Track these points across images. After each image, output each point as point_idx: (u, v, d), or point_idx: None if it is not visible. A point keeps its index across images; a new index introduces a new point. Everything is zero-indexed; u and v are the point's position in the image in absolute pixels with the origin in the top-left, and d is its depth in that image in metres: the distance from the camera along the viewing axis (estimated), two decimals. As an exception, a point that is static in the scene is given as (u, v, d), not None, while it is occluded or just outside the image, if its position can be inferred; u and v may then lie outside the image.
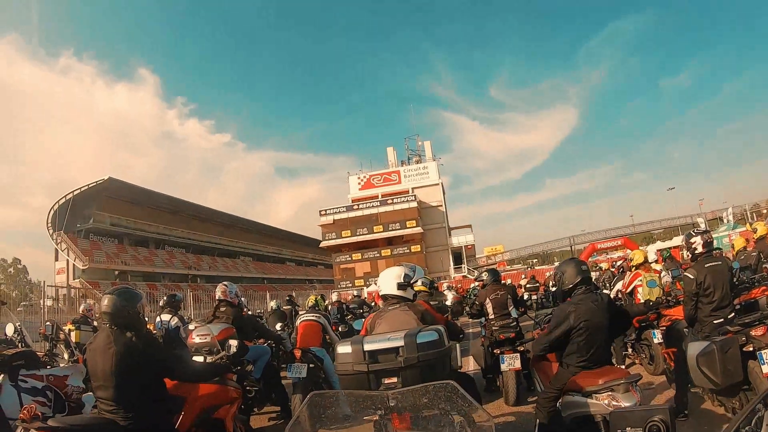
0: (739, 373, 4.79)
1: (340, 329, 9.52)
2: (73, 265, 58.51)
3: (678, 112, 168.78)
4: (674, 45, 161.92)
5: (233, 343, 5.21)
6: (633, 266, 9.06)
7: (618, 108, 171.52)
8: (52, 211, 60.28)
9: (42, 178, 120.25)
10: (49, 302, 18.66)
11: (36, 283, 20.19)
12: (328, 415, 2.29)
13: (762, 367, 4.76)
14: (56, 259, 60.58)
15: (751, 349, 4.88)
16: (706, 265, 5.47)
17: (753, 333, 4.93)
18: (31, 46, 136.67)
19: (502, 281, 9.31)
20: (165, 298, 10.91)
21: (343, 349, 3.18)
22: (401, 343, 3.06)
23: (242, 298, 8.36)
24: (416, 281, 4.89)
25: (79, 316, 11.44)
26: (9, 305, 16.04)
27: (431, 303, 6.56)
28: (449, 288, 26.14)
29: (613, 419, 1.49)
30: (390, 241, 62.52)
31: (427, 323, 3.77)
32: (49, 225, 60.27)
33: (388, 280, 4.34)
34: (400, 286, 4.32)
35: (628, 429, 1.41)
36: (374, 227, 61.95)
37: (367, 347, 3.08)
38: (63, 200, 60.11)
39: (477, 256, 71.48)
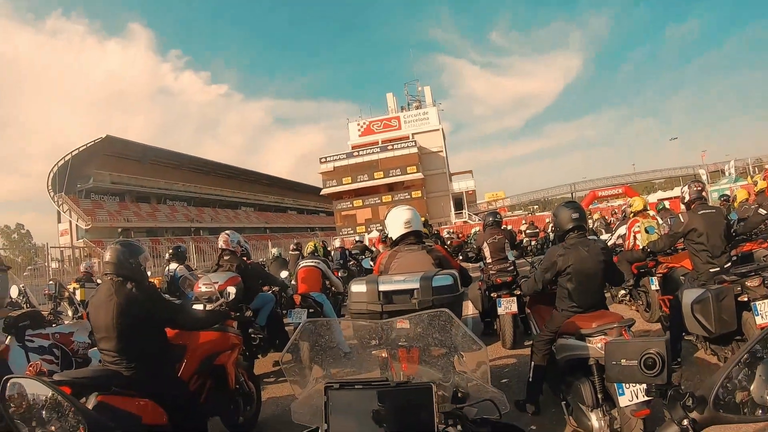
0: (733, 323, 4.86)
1: (341, 274, 9.61)
2: (76, 225, 58.47)
3: (683, 61, 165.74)
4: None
5: (231, 290, 5.30)
6: (632, 213, 9.06)
7: (622, 54, 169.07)
8: (51, 174, 59.80)
9: (39, 144, 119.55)
10: (54, 264, 18.82)
11: (40, 247, 20.24)
12: (323, 344, 2.30)
13: (755, 317, 4.82)
14: (59, 222, 60.53)
15: (745, 299, 4.95)
16: (699, 213, 5.51)
17: (748, 283, 4.97)
18: (19, 10, 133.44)
19: (503, 226, 9.32)
20: (171, 249, 11.29)
21: (358, 288, 3.15)
22: (417, 285, 3.05)
23: (247, 244, 8.40)
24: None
25: (81, 275, 11.57)
26: (15, 270, 16.12)
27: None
28: (449, 234, 26.21)
29: (607, 350, 1.50)
30: (391, 188, 62.33)
31: (443, 268, 3.68)
32: (50, 188, 59.87)
33: (404, 221, 4.17)
34: (421, 226, 4.30)
35: (623, 361, 1.42)
36: (375, 174, 61.62)
37: (383, 287, 3.04)
38: (62, 162, 59.52)
39: (478, 202, 71.15)
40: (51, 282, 8.87)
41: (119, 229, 59.87)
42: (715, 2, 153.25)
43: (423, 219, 5.36)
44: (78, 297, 9.18)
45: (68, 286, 9.62)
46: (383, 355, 2.40)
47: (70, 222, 58.76)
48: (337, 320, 2.67)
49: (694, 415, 1.25)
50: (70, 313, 6.99)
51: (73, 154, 59.26)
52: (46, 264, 15.11)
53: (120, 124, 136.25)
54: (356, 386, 1.86)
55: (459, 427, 1.83)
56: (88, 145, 59.20)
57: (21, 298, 6.73)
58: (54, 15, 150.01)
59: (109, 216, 60.85)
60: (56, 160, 60.64)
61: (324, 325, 2.43)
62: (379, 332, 2.33)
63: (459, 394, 1.95)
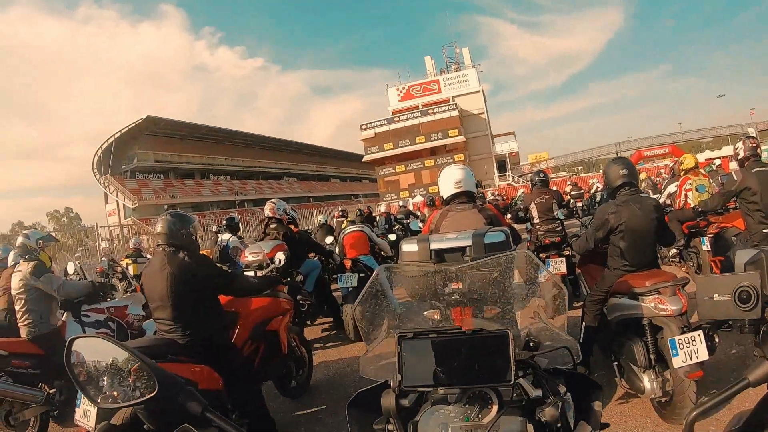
0: None
1: (387, 240, 9.61)
2: (123, 205, 59.90)
3: (729, 14, 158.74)
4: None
5: (281, 256, 5.34)
6: (683, 170, 8.68)
7: (665, 8, 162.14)
8: (96, 157, 61.26)
9: (80, 130, 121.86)
10: (104, 244, 19.29)
11: (90, 228, 20.75)
12: (391, 296, 2.31)
13: None
14: (106, 203, 62.19)
15: (800, 260, 4.77)
16: (753, 170, 5.29)
17: None
18: (49, 1, 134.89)
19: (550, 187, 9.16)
20: (225, 221, 11.59)
21: (409, 247, 3.09)
22: (468, 242, 2.91)
23: (295, 212, 8.45)
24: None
25: (131, 251, 11.87)
26: (67, 251, 16.59)
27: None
28: (493, 196, 25.99)
29: (699, 285, 1.47)
30: (433, 152, 62.00)
31: (494, 227, 3.56)
32: (95, 170, 61.45)
33: (455, 181, 4.09)
34: (473, 186, 4.21)
35: (716, 296, 1.39)
36: (416, 138, 61.32)
37: (434, 246, 2.99)
38: (105, 145, 60.85)
39: (521, 164, 70.45)
40: (103, 258, 9.11)
41: (165, 206, 60.99)
42: None
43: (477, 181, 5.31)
44: (131, 272, 9.46)
45: (121, 262, 9.88)
46: (436, 316, 2.40)
47: (117, 202, 60.25)
48: (407, 266, 2.64)
49: None
50: (122, 287, 7.16)
51: (116, 136, 60.43)
52: (97, 244, 15.49)
53: (160, 104, 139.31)
54: (430, 335, 1.82)
55: (532, 377, 1.80)
56: (130, 127, 60.26)
57: (76, 275, 6.90)
58: (84, 3, 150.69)
59: (155, 194, 62.10)
60: (99, 142, 62.20)
61: (396, 270, 2.48)
62: (437, 286, 2.33)
63: (531, 343, 1.91)
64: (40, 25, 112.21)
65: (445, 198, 4.15)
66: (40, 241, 5.88)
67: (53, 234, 10.71)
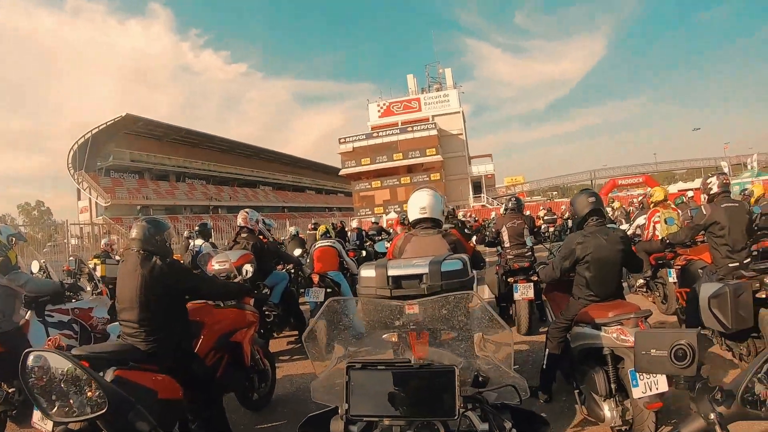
0: (750, 319, 4.76)
1: (358, 256, 9.63)
2: (96, 202, 59.04)
3: (709, 49, 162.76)
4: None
5: (248, 268, 5.33)
6: (652, 203, 8.95)
7: (649, 40, 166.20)
8: (71, 152, 60.43)
9: (62, 122, 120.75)
10: (74, 241, 19.03)
11: (60, 224, 20.52)
12: (345, 323, 2.33)
13: None
14: (79, 199, 61.32)
15: (764, 296, 4.87)
16: (722, 206, 5.42)
17: (767, 280, 4.91)
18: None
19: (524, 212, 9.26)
20: (197, 226, 11.80)
21: (367, 272, 3.11)
22: (426, 270, 2.95)
23: (271, 222, 8.42)
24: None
25: (101, 251, 11.73)
26: (35, 246, 16.35)
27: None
28: (465, 217, 26.13)
29: (638, 340, 1.50)
30: (409, 169, 62.43)
31: (457, 253, 3.57)
32: (70, 165, 60.54)
33: (420, 207, 4.07)
34: (439, 213, 4.15)
35: (653, 351, 1.42)
36: (394, 155, 61.74)
37: (391, 272, 3.01)
38: (82, 140, 60.04)
39: (497, 186, 71.11)
40: (71, 258, 8.99)
41: (138, 207, 60.56)
42: None
43: (448, 209, 5.32)
44: (98, 273, 9.31)
45: (88, 262, 9.75)
46: (393, 339, 2.43)
47: (90, 199, 59.40)
48: (357, 299, 2.67)
49: (721, 409, 1.24)
50: (89, 288, 7.07)
51: (93, 132, 59.67)
52: (66, 241, 15.31)
53: (142, 103, 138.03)
54: (378, 367, 1.87)
55: (479, 411, 1.84)
56: (108, 124, 59.58)
57: (41, 273, 6.80)
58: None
59: (129, 193, 61.38)
60: (76, 136, 61.29)
61: (348, 303, 2.49)
62: (392, 314, 2.33)
63: (480, 378, 1.95)
64: (28, 13, 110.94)
65: (411, 221, 4.16)
66: (11, 237, 5.81)
67: (23, 231, 10.57)
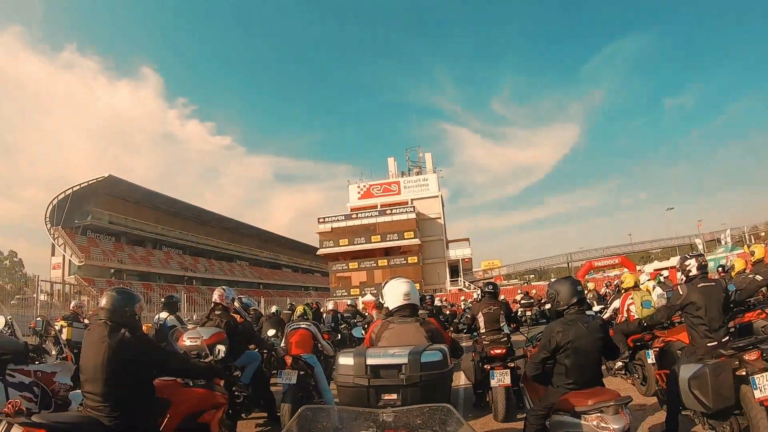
0: (731, 398, 4.76)
1: (333, 339, 9.51)
2: (69, 261, 58.79)
3: (680, 132, 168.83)
4: (677, 64, 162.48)
5: (221, 348, 5.22)
6: (623, 289, 9.16)
7: (620, 126, 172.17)
8: (50, 206, 60.41)
9: (39, 172, 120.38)
10: (43, 297, 18.65)
11: (31, 278, 20.27)
12: (318, 429, 2.27)
13: (754, 392, 4.72)
14: (53, 254, 60.69)
15: (743, 373, 4.83)
16: (698, 286, 5.45)
17: (746, 357, 4.88)
18: (35, 40, 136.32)
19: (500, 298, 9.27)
20: (163, 299, 11.33)
21: (345, 360, 3.11)
22: (405, 360, 3.02)
23: (250, 302, 8.26)
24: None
25: (69, 313, 11.46)
26: (2, 298, 16.01)
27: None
28: (441, 302, 26.12)
29: None
30: (387, 252, 62.67)
31: (435, 342, 3.65)
32: (47, 219, 60.40)
33: (403, 293, 4.10)
34: (417, 300, 4.19)
35: None
36: (372, 237, 62.07)
37: (370, 361, 3.01)
38: (62, 195, 60.20)
39: (474, 270, 71.51)
40: (39, 318, 8.77)
41: (112, 270, 59.95)
42: (709, 76, 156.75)
43: (421, 295, 5.37)
44: (64, 336, 9.05)
45: (55, 323, 9.50)
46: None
47: (64, 256, 59.14)
48: (335, 408, 2.63)
49: None
50: (54, 352, 6.85)
51: (75, 189, 59.97)
52: (35, 296, 15.01)
53: (122, 164, 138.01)
54: None
55: None
56: (90, 183, 60.00)
57: (6, 329, 6.61)
58: (69, 48, 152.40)
59: (103, 255, 61.11)
60: (56, 190, 61.81)
61: (323, 413, 2.48)
62: (368, 421, 2.31)
63: None
64: (20, 60, 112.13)
65: (390, 309, 4.13)
66: None
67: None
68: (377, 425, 2.26)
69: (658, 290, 9.45)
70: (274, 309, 13.59)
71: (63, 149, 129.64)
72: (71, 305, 12.18)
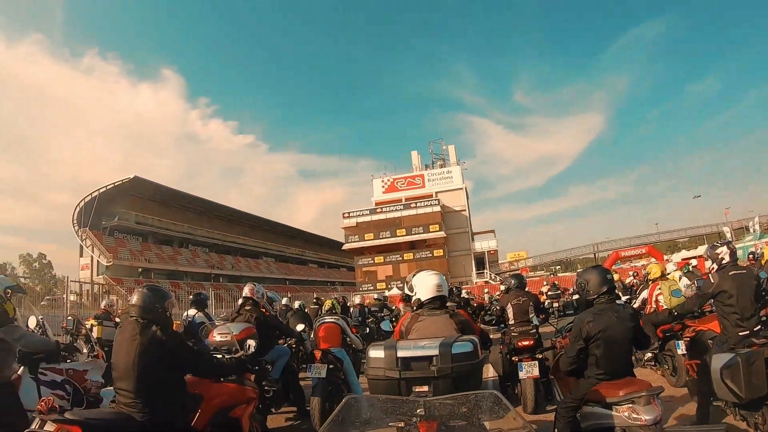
0: (764, 387, 4.67)
1: (361, 333, 9.52)
2: (98, 261, 59.57)
3: (705, 118, 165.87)
4: (700, 49, 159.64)
5: (251, 342, 5.21)
6: (650, 280, 9.05)
7: (643, 114, 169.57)
8: (77, 209, 61.32)
9: (64, 176, 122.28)
10: (72, 297, 18.90)
11: (60, 279, 20.50)
12: (358, 419, 2.31)
13: None
14: (81, 255, 61.57)
15: (776, 362, 4.77)
16: (730, 274, 5.35)
17: None
18: (55, 46, 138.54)
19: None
20: (192, 296, 11.41)
21: (376, 353, 3.11)
22: (436, 352, 3.01)
23: (275, 296, 8.30)
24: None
25: (101, 312, 11.59)
26: (33, 299, 16.25)
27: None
28: (468, 294, 26.03)
29: None
30: (412, 245, 62.60)
31: (465, 334, 3.65)
32: (75, 222, 61.37)
33: (435, 284, 4.10)
34: (444, 293, 4.18)
35: None
36: (397, 231, 62.05)
37: (401, 354, 3.01)
38: (89, 198, 61.11)
39: (500, 262, 71.07)
40: (69, 317, 8.88)
41: (140, 269, 60.64)
42: (731, 60, 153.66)
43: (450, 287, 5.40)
44: (95, 334, 9.18)
45: (86, 322, 9.61)
46: (400, 425, 2.40)
47: (92, 257, 59.93)
48: (380, 397, 2.63)
49: None
50: (85, 350, 6.93)
51: (101, 191, 60.89)
52: (65, 296, 15.21)
53: (146, 165, 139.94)
54: None
55: None
56: (116, 184, 60.81)
57: (38, 329, 6.70)
58: (89, 54, 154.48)
59: (131, 255, 61.80)
60: (81, 193, 62.98)
61: (365, 402, 2.53)
62: (412, 409, 2.33)
63: None
64: (42, 67, 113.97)
65: (422, 300, 4.11)
66: (8, 290, 5.74)
67: (22, 283, 10.49)
68: (424, 411, 2.26)
69: (685, 280, 9.34)
70: (297, 304, 13.65)
71: (88, 153, 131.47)
72: (102, 304, 12.30)
